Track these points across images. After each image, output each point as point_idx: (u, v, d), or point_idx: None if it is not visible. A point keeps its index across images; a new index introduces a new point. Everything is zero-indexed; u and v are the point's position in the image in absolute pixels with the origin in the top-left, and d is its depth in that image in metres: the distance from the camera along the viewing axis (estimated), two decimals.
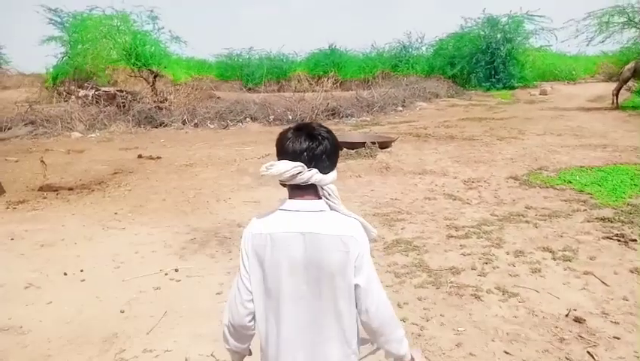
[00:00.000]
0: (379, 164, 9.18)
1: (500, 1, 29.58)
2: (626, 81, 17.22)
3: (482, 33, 30.38)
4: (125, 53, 18.38)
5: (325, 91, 17.54)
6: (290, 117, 16.10)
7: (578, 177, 7.48)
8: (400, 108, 19.11)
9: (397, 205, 6.28)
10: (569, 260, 4.36)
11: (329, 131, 1.60)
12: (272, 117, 16.24)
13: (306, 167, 1.51)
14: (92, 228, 5.69)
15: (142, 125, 15.47)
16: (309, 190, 1.55)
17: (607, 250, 4.60)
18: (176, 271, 4.35)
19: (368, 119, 16.81)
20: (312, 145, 1.52)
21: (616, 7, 17.19)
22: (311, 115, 16.26)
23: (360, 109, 17.62)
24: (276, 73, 32.76)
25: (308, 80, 20.36)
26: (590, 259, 4.40)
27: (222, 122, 15.83)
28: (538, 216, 5.69)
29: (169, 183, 7.81)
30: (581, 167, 8.28)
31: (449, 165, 9.10)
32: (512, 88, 28.48)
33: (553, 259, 4.41)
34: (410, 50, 35.39)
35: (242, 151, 11.09)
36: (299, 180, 1.50)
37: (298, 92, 19.07)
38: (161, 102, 17.10)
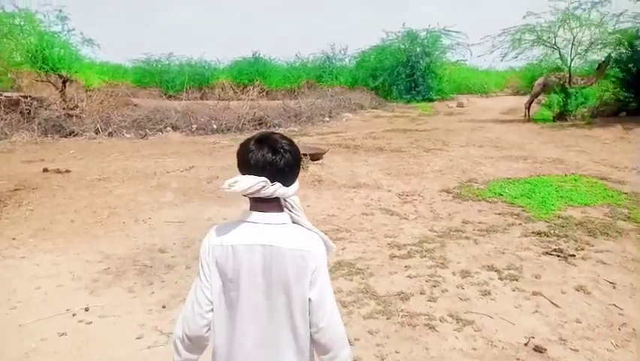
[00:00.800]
0: (311, 177, 8.85)
1: (419, 16, 30.72)
2: (536, 95, 18.27)
3: (402, 47, 31.25)
4: (29, 55, 16.73)
5: (251, 100, 17.01)
6: (215, 126, 15.42)
7: (507, 190, 7.58)
8: (327, 119, 19.01)
9: (335, 222, 5.95)
10: (516, 280, 4.24)
11: (291, 144, 1.58)
12: (195, 126, 15.46)
13: (269, 181, 1.49)
14: None
15: (49, 135, 14.10)
16: (272, 202, 1.54)
17: (549, 267, 4.54)
18: (87, 310, 3.70)
19: (296, 129, 16.48)
20: (275, 159, 1.51)
21: (527, 26, 18.20)
22: (237, 125, 15.68)
23: (288, 119, 17.27)
24: (198, 80, 31.66)
25: (233, 89, 19.67)
26: (535, 277, 4.30)
27: (140, 132, 14.82)
28: (477, 232, 5.60)
29: (79, 201, 6.95)
30: (508, 179, 8.44)
31: (381, 177, 8.95)
32: (431, 100, 29.46)
33: (500, 279, 4.26)
34: (334, 61, 35.74)
35: (163, 163, 10.31)
36: (262, 193, 1.49)
37: (222, 100, 18.34)
38: (71, 109, 15.71)
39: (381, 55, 32.23)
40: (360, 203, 6.90)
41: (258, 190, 1.49)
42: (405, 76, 30.18)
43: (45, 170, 9.20)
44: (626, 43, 17.53)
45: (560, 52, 18.17)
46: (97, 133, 14.39)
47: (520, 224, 5.89)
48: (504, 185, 7.95)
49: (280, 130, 16.21)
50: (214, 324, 1.56)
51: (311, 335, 1.54)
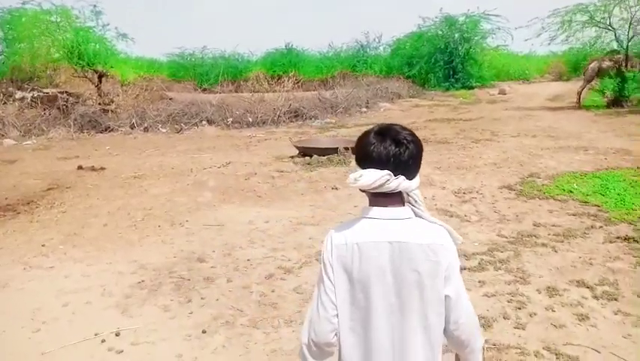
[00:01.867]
0: None
1: (457, 0, 29.47)
2: (590, 80, 17.10)
3: (440, 33, 30.17)
4: (66, 51, 16.66)
5: (286, 91, 16.50)
6: (250, 119, 14.99)
7: (576, 186, 6.81)
8: (364, 109, 18.33)
9: None
10: (615, 299, 3.55)
11: (413, 134, 1.50)
12: (230, 120, 15.06)
13: (392, 174, 1.42)
14: (9, 267, 4.46)
15: (85, 131, 13.96)
16: (393, 197, 1.47)
17: None
18: (117, 335, 3.23)
19: (333, 121, 15.89)
20: (398, 151, 1.43)
21: (579, 5, 17.01)
22: (273, 117, 15.20)
23: (324, 110, 16.69)
24: (232, 73, 31.27)
25: (267, 80, 19.21)
26: (638, 296, 3.60)
27: (176, 126, 14.53)
28: (553, 237, 4.90)
29: (113, 202, 6.58)
30: (573, 173, 7.63)
31: (431, 172, 8.28)
32: (471, 88, 28.36)
33: (595, 297, 3.59)
34: (368, 49, 34.85)
35: (199, 159, 9.92)
36: (386, 188, 1.42)
37: (257, 92, 17.92)
38: (106, 104, 15.58)
39: (418, 42, 31.23)
40: None
41: (382, 185, 1.41)
42: (443, 63, 29.12)
43: (79, 167, 8.94)
44: None
45: (615, 33, 16.94)
46: (132, 128, 14.19)
47: (600, 227, 5.15)
48: (571, 180, 7.16)
49: (317, 122, 15.66)
50: (340, 328, 1.47)
51: (448, 332, 1.47)
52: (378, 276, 1.42)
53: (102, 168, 8.86)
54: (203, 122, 14.92)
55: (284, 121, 15.43)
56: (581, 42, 19.36)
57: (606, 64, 16.86)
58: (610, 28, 16.91)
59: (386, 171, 1.41)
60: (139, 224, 5.63)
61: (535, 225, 5.29)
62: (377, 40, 34.62)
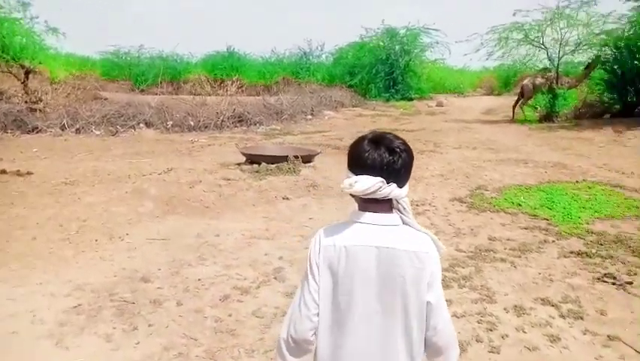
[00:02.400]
0: (305, 181, 8.04)
1: (398, 13, 30.15)
2: (530, 97, 17.83)
3: (381, 44, 30.66)
4: None
5: (230, 95, 16.02)
6: (192, 123, 14.41)
7: (523, 199, 6.95)
8: (310, 117, 18.18)
9: None
10: (581, 317, 3.53)
11: (405, 144, 1.51)
12: (170, 123, 14.41)
13: (385, 181, 1.44)
14: None
15: (9, 131, 12.86)
16: (383, 203, 1.49)
17: (610, 299, 3.86)
18: None
19: (278, 127, 15.60)
20: (392, 159, 1.46)
21: (515, 24, 17.78)
22: (216, 121, 14.69)
23: (269, 116, 16.37)
24: (171, 74, 30.18)
25: (210, 83, 18.62)
26: (601, 313, 3.61)
27: (111, 128, 13.70)
28: (509, 251, 4.90)
29: (42, 212, 5.95)
30: (519, 186, 7.82)
31: None
32: (410, 99, 29.01)
33: (562, 316, 3.55)
34: (310, 57, 34.92)
35: (137, 164, 9.32)
36: (379, 195, 1.44)
37: (198, 95, 17.29)
38: (34, 103, 14.46)
39: (360, 52, 31.66)
40: None
41: (375, 191, 1.44)
42: (384, 74, 29.62)
43: (3, 172, 8.11)
44: (611, 45, 17.26)
45: (547, 51, 17.83)
46: (63, 129, 13.22)
47: (553, 241, 5.23)
48: (518, 193, 7.31)
49: (262, 128, 15.32)
50: (319, 328, 1.50)
51: (427, 339, 1.49)
52: (364, 279, 1.45)
53: (29, 173, 8.08)
54: (141, 125, 14.17)
55: (228, 126, 14.96)
56: (515, 59, 20.22)
57: (539, 81, 17.71)
58: (542, 46, 17.78)
59: (379, 178, 1.43)
60: (73, 238, 5.09)
61: (490, 239, 5.29)
62: (320, 48, 34.80)
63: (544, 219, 6.05)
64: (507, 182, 8.23)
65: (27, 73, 15.58)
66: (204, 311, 3.54)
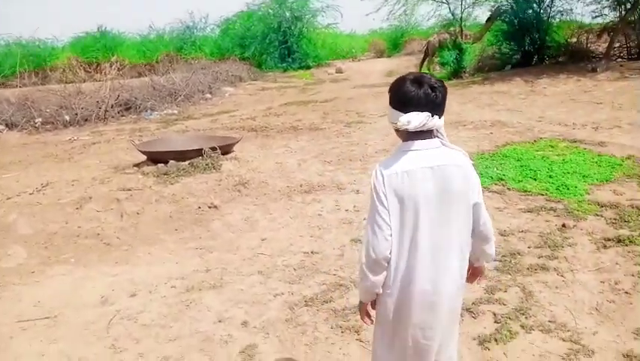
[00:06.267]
0: (230, 179, 6.36)
1: None
2: (433, 54, 17.28)
3: (271, 12, 28.82)
4: None
5: (111, 79, 13.43)
6: (67, 118, 11.76)
7: (497, 170, 5.90)
8: (209, 95, 16.05)
9: (326, 267, 3.62)
10: None
11: (441, 80, 1.75)
12: (39, 120, 11.63)
13: (430, 115, 1.68)
14: None
15: None
16: (425, 133, 1.72)
17: None
18: None
19: (175, 112, 13.38)
20: (434, 95, 1.69)
21: None
22: (97, 112, 12.16)
23: (162, 100, 14.03)
24: (34, 62, 25.62)
25: (84, 68, 15.68)
26: None
27: None
28: (538, 251, 3.73)
29: None
30: (480, 154, 6.78)
31: (324, 169, 6.79)
32: (308, 67, 27.70)
33: None
34: (195, 31, 32.11)
35: None
36: (427, 127, 1.69)
37: (71, 82, 14.44)
38: None
39: (248, 22, 29.51)
40: (335, 220, 4.61)
41: (426, 124, 1.67)
42: (278, 43, 27.84)
43: None
44: None
45: (449, 7, 17.27)
46: None
47: (574, 226, 4.16)
48: (485, 163, 6.26)
49: (156, 115, 13.04)
50: (392, 243, 1.71)
51: (476, 231, 1.80)
52: (425, 196, 1.68)
53: None
54: (1, 127, 11.29)
55: (113, 116, 12.48)
56: (420, 17, 19.52)
57: (444, 37, 17.18)
58: (445, 1, 17.19)
59: (427, 113, 1.68)
60: None
61: (501, 233, 4.10)
62: (204, 20, 32.04)
63: (540, 194, 5.01)
64: (466, 150, 7.19)
65: None
66: None
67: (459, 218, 1.72)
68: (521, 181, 5.45)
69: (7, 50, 27.22)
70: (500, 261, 3.57)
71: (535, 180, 5.49)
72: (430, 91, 1.67)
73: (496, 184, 5.42)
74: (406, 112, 1.67)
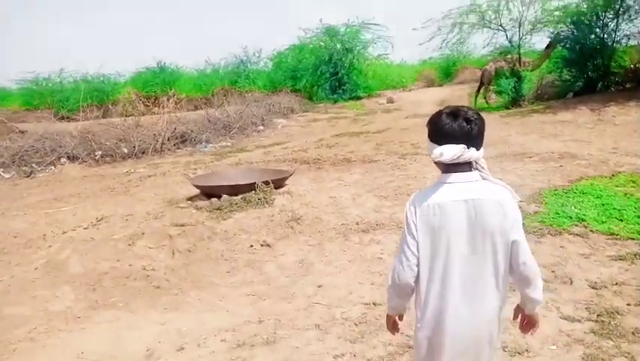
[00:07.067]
0: (283, 215, 6.12)
1: (335, 11, 28.73)
2: (489, 83, 16.72)
3: (322, 44, 29.13)
4: None
5: (168, 113, 13.74)
6: (125, 150, 12.05)
7: (576, 209, 5.34)
8: (261, 127, 16.14)
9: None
10: None
11: (477, 113, 1.79)
12: (99, 153, 11.97)
13: (466, 147, 1.71)
14: None
15: None
16: (464, 165, 1.75)
17: None
18: None
19: (229, 144, 13.47)
20: (469, 128, 1.73)
21: (472, 6, 16.55)
22: (154, 145, 12.40)
23: (216, 132, 14.20)
24: (98, 97, 26.91)
25: (143, 102, 16.21)
26: None
27: (25, 168, 11.15)
28: (637, 309, 3.20)
29: None
30: (554, 190, 6.23)
31: (381, 204, 6.44)
32: (359, 98, 27.62)
33: None
34: (248, 64, 32.89)
35: (56, 215, 7.08)
36: (462, 159, 1.71)
37: (130, 115, 14.90)
38: None
39: (300, 54, 29.95)
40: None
41: (460, 156, 1.70)
42: (329, 75, 27.97)
43: None
44: (568, 21, 16.38)
45: (506, 33, 16.73)
46: None
47: None
48: (561, 201, 5.71)
49: (210, 147, 13.16)
50: (420, 274, 1.77)
51: (516, 272, 1.76)
52: (457, 229, 1.71)
53: None
54: (63, 160, 11.67)
55: (169, 149, 12.70)
56: (461, 48, 19.06)
57: (500, 64, 16.61)
58: (501, 28, 16.67)
59: (462, 146, 1.70)
60: None
61: (592, 286, 3.58)
62: (257, 54, 32.77)
63: (630, 238, 4.45)
64: (531, 184, 6.67)
65: None
66: None
67: (497, 255, 1.72)
68: (605, 222, 4.88)
69: (75, 85, 28.81)
70: (596, 321, 3.07)
71: (621, 221, 4.91)
72: (464, 124, 1.71)
73: (576, 225, 4.88)
74: (441, 144, 1.71)
